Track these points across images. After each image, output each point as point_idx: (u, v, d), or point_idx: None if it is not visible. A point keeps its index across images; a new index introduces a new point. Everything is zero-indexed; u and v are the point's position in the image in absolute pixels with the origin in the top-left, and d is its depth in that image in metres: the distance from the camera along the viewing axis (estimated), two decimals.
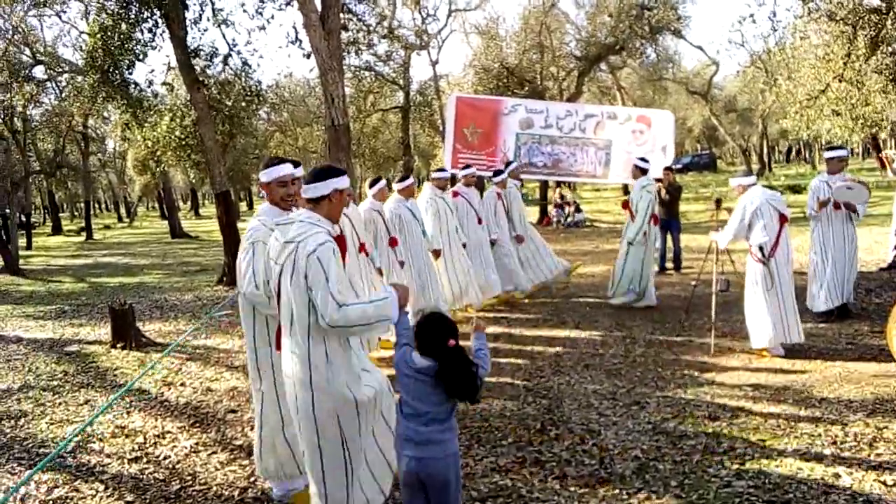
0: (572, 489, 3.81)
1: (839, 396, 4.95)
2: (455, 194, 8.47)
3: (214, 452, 4.60)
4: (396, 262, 7.14)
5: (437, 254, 7.85)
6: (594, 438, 4.47)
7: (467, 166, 9.26)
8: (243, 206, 47.61)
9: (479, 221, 8.56)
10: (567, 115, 11.00)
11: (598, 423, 4.74)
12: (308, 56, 11.33)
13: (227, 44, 14.16)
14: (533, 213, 19.54)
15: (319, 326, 3.04)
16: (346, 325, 3.00)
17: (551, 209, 21.50)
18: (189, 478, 4.23)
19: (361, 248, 6.48)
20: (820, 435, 4.31)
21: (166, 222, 28.65)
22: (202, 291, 11.42)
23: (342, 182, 3.26)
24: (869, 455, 3.97)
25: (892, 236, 9.66)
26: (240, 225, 12.91)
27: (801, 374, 5.54)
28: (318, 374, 3.09)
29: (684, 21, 24.66)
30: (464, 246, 8.15)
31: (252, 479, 4.15)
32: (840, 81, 13.30)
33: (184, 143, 15.83)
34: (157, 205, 49.18)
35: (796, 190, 25.08)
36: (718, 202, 7.52)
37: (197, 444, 4.77)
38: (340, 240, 3.33)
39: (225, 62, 14.14)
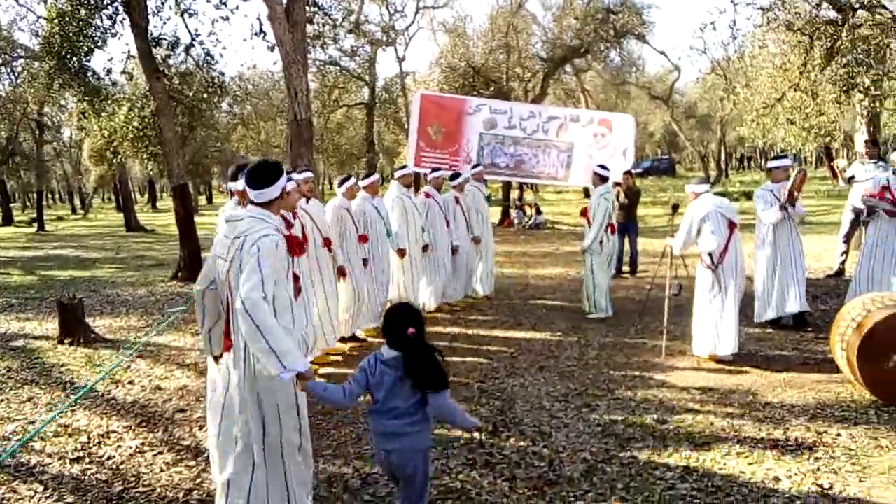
0: (521, 491, 3.83)
1: (783, 401, 5.08)
2: (427, 195, 8.46)
3: (160, 453, 4.52)
4: (360, 263, 7.10)
5: (401, 253, 7.82)
6: (545, 440, 4.51)
7: (436, 169, 9.23)
8: (202, 199, 46.88)
9: (448, 225, 8.55)
10: (530, 116, 11.07)
11: (549, 424, 4.79)
12: (272, 49, 11.19)
13: (190, 33, 14.09)
14: (495, 214, 19.60)
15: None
16: (250, 315, 2.87)
17: (513, 211, 21.64)
18: (133, 479, 4.14)
19: (326, 243, 6.44)
20: (763, 438, 4.41)
21: (122, 215, 28.03)
22: (156, 287, 11.20)
23: (285, 179, 3.27)
24: (808, 459, 4.08)
25: (840, 244, 9.94)
26: (198, 219, 12.71)
27: (747, 378, 5.67)
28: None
29: (648, 26, 25.07)
30: (424, 248, 8.13)
31: (198, 480, 4.08)
32: (795, 91, 13.62)
33: (142, 133, 15.52)
34: (112, 196, 48.13)
35: (751, 196, 25.65)
36: (675, 207, 7.58)
37: (142, 444, 4.68)
38: (291, 239, 3.31)
39: (187, 52, 13.90)
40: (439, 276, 8.37)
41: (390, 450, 3.00)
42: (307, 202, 6.32)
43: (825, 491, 3.68)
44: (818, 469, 3.94)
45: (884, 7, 12.61)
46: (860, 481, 3.77)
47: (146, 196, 49.58)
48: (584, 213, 8.23)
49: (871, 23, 12.46)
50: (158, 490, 3.98)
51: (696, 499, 3.66)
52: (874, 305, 5.14)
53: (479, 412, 5.05)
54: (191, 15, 13.35)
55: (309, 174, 6.59)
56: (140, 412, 5.32)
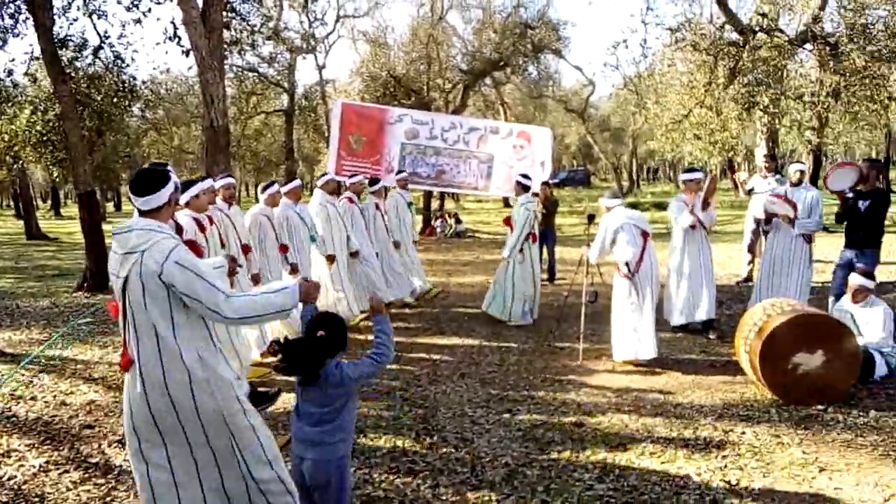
0: (444, 497, 3.86)
1: (692, 402, 5.32)
2: (350, 200, 8.42)
3: (66, 471, 4.29)
4: (287, 267, 7.01)
5: (330, 259, 7.74)
6: (467, 446, 4.55)
7: (355, 174, 9.21)
8: (110, 206, 44.88)
9: (368, 230, 8.55)
10: (451, 127, 11.21)
11: (471, 430, 4.84)
12: (187, 53, 10.87)
13: (99, 35, 13.38)
14: (416, 222, 19.67)
15: (184, 329, 2.94)
16: (237, 318, 2.91)
17: (436, 221, 21.72)
18: (36, 499, 3.91)
19: (245, 249, 6.31)
20: (674, 438, 4.60)
21: (22, 222, 26.46)
22: (60, 298, 10.64)
23: (173, 184, 3.11)
24: (716, 456, 4.29)
25: (744, 252, 10.50)
26: (105, 227, 12.15)
27: (659, 380, 5.91)
28: (196, 375, 2.97)
29: (564, 42, 25.81)
30: (353, 255, 8.08)
31: (108, 498, 3.90)
32: (701, 107, 14.34)
33: (45, 138, 14.75)
34: (11, 202, 45.39)
35: (661, 207, 26.75)
36: (591, 217, 7.78)
37: (47, 462, 4.43)
38: (191, 244, 3.24)
39: (95, 55, 13.33)
40: (364, 282, 8.33)
41: (303, 457, 2.98)
42: (229, 207, 6.22)
43: (732, 486, 3.88)
44: (725, 466, 4.15)
45: (781, 31, 13.47)
46: (764, 476, 4.00)
47: (49, 202, 47.01)
48: (507, 221, 8.38)
49: (769, 45, 13.27)
50: None
51: (612, 498, 3.79)
52: (774, 311, 5.46)
53: (401, 420, 5.05)
54: (100, 16, 12.83)
55: (230, 180, 6.51)
56: (44, 429, 5.03)
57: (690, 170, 7.59)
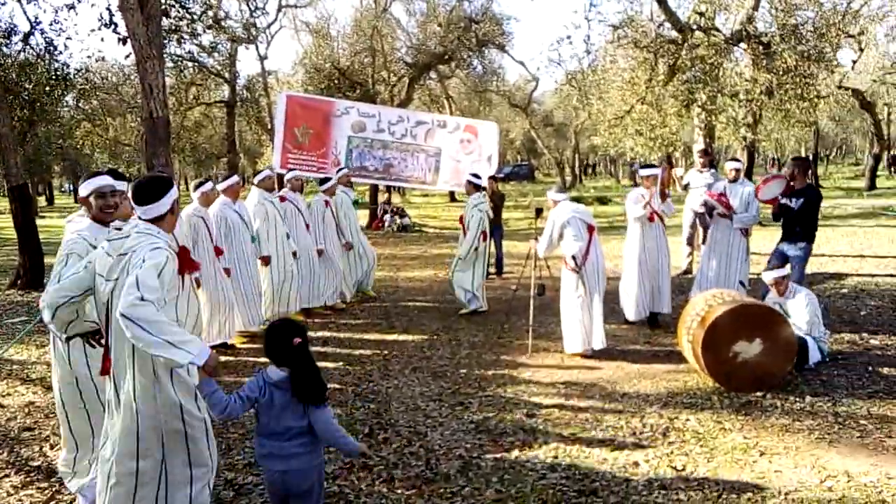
0: (399, 491, 3.88)
1: (638, 391, 5.47)
2: (282, 199, 8.20)
3: (7, 475, 4.14)
4: (221, 271, 6.78)
5: (265, 260, 7.59)
6: (421, 440, 4.58)
7: (291, 169, 9.07)
8: (42, 200, 43.10)
9: (308, 227, 8.37)
10: (399, 120, 11.17)
11: (424, 424, 4.87)
12: (124, 41, 10.50)
13: (29, 21, 12.85)
14: (363, 216, 19.54)
15: None
16: (133, 320, 2.64)
17: (387, 215, 21.58)
18: None
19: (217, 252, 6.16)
20: (622, 427, 4.73)
21: None
22: None
23: (175, 191, 3.12)
24: (663, 443, 4.43)
25: (683, 245, 10.82)
26: (39, 222, 11.71)
27: (607, 371, 6.05)
28: (163, 386, 2.94)
29: (508, 37, 26.05)
30: (293, 255, 7.94)
31: (53, 503, 3.78)
32: (642, 104, 14.70)
33: None
34: None
35: (603, 201, 27.31)
36: (539, 211, 7.87)
37: None
38: (183, 252, 3.18)
39: (25, 41, 12.77)
40: (304, 280, 8.19)
41: (285, 470, 2.91)
42: None
43: (679, 472, 4.02)
44: (672, 452, 4.29)
45: (717, 30, 13.90)
46: (708, 461, 4.15)
47: None
48: (461, 219, 8.44)
49: (707, 43, 13.68)
50: None
51: (565, 487, 3.87)
52: (715, 301, 5.66)
53: (354, 415, 5.05)
54: (30, 1, 12.32)
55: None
56: None
57: (648, 166, 7.69)
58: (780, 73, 13.35)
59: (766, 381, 5.30)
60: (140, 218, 3.03)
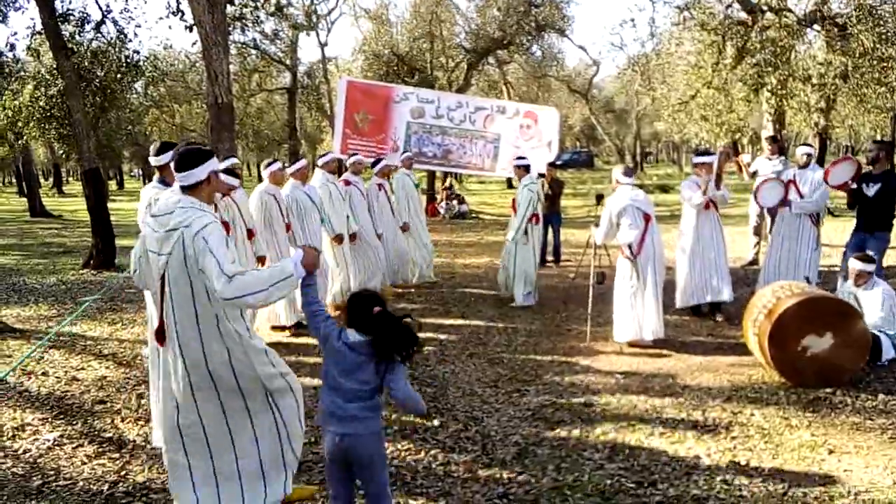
0: (455, 475, 3.89)
1: (700, 384, 5.34)
2: (346, 183, 8.30)
3: (80, 445, 4.33)
4: (290, 249, 6.94)
5: (338, 239, 7.69)
6: (477, 425, 4.58)
7: (353, 154, 9.15)
8: (112, 184, 44.79)
9: (370, 211, 8.46)
10: (458, 106, 11.14)
11: (480, 409, 4.87)
12: (190, 29, 10.78)
13: (101, 10, 13.24)
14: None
15: (222, 309, 3.05)
16: (240, 295, 2.92)
17: (444, 202, 21.60)
18: (52, 472, 3.96)
19: (250, 235, 6.27)
20: (683, 419, 4.63)
21: (25, 199, 26.43)
22: (66, 275, 10.66)
23: (215, 162, 3.24)
24: (725, 438, 4.32)
25: (750, 235, 10.50)
26: (110, 205, 12.16)
27: (667, 362, 5.92)
28: (234, 349, 3.12)
29: (568, 21, 25.56)
30: (352, 237, 8.03)
31: (123, 472, 3.94)
32: (709, 88, 14.26)
33: (49, 114, 14.68)
34: (14, 180, 45.27)
35: (665, 189, 26.69)
36: (599, 197, 7.71)
37: (61, 436, 4.47)
38: (225, 226, 3.28)
39: (97, 30, 13.22)
40: (367, 263, 8.28)
41: (345, 433, 2.91)
42: (235, 192, 6.14)
43: (742, 467, 3.91)
44: (735, 447, 4.18)
45: (790, 10, 13.34)
46: (773, 458, 4.02)
47: (51, 180, 46.92)
48: (513, 203, 8.33)
49: (778, 25, 13.15)
50: (81, 483, 3.82)
51: (623, 477, 3.82)
52: (783, 293, 5.46)
53: None
54: None
55: (234, 160, 6.43)
56: (56, 404, 5.07)
57: (703, 153, 7.39)
58: (857, 55, 12.73)
59: (836, 377, 5.10)
60: (181, 186, 3.15)
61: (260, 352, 3.21)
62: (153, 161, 4.40)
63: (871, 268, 5.90)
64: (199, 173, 3.14)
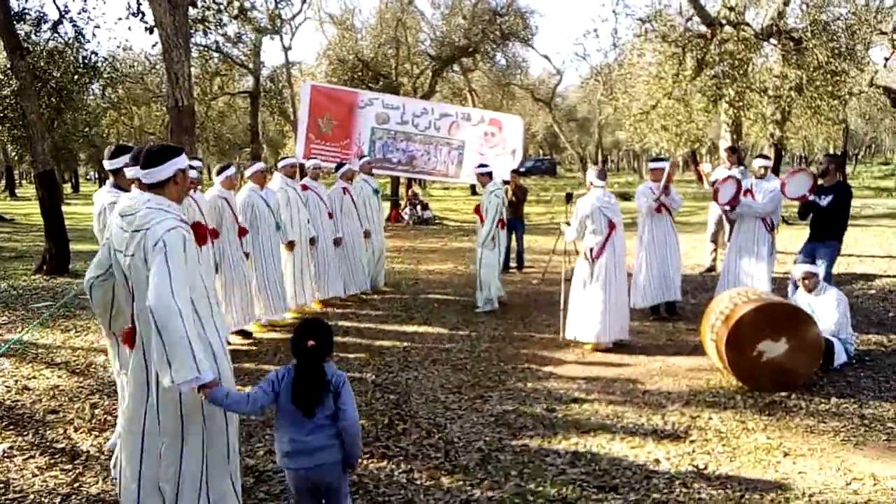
0: (418, 482, 3.87)
1: (660, 388, 5.42)
2: (304, 188, 8.22)
3: (32, 457, 4.20)
4: (241, 254, 6.84)
5: (290, 245, 7.63)
6: (440, 432, 4.57)
7: (313, 158, 9.10)
8: (67, 187, 43.69)
9: (330, 216, 8.39)
10: (423, 113, 11.14)
11: (444, 416, 4.85)
12: (151, 30, 10.59)
13: (59, 9, 12.95)
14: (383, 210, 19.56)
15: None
16: (158, 319, 2.72)
17: (408, 208, 21.54)
18: (1, 485, 3.82)
19: (213, 234, 6.18)
20: (643, 424, 4.68)
21: None
22: (18, 280, 10.35)
23: (182, 161, 3.09)
24: (684, 441, 4.38)
25: (708, 242, 10.70)
26: (64, 209, 11.85)
27: (628, 367, 5.99)
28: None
29: (532, 30, 25.83)
30: (311, 242, 7.97)
31: (76, 484, 3.83)
32: (669, 99, 14.53)
33: (2, 115, 14.27)
34: None
35: (626, 197, 27.07)
36: (569, 196, 8.04)
37: (11, 448, 4.32)
38: (198, 226, 3.19)
39: (54, 29, 12.91)
40: (326, 269, 8.21)
41: (312, 466, 2.88)
42: (194, 192, 6.05)
43: (701, 471, 3.97)
44: (693, 451, 4.24)
45: (748, 24, 13.69)
46: (731, 461, 4.09)
47: (3, 182, 45.59)
48: (477, 210, 8.39)
49: (736, 38, 13.48)
50: (32, 496, 3.69)
51: (585, 482, 3.84)
52: (740, 299, 5.57)
53: (373, 406, 5.05)
54: None
55: (196, 163, 6.32)
56: (6, 414, 4.90)
57: (657, 159, 7.89)
58: (811, 69, 13.12)
59: (790, 381, 5.22)
60: (145, 185, 3.02)
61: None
62: (107, 165, 4.24)
63: (815, 268, 6.13)
64: (164, 171, 3.00)
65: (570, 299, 6.60)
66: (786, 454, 4.17)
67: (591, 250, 6.42)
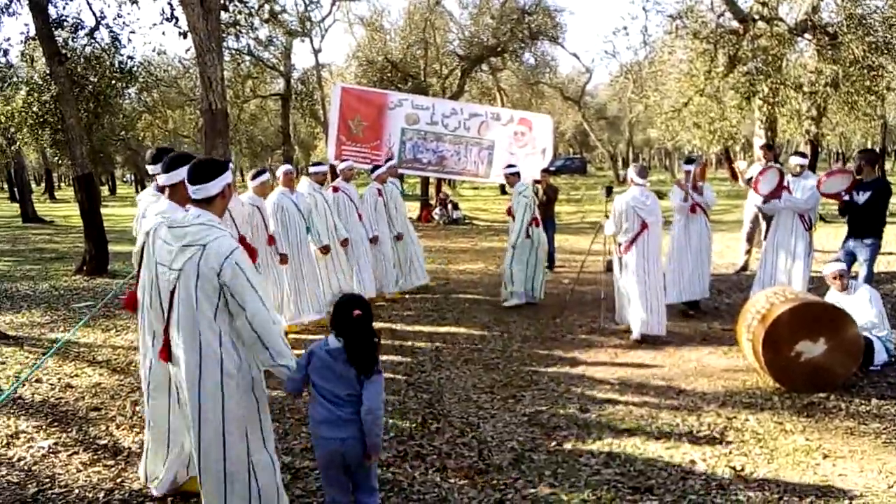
0: (452, 481, 3.89)
1: (695, 389, 5.36)
2: (335, 189, 8.29)
3: (75, 453, 4.31)
4: (275, 260, 6.93)
5: (325, 250, 7.65)
6: (473, 431, 4.58)
7: (345, 160, 9.16)
8: (105, 190, 44.62)
9: (360, 218, 8.44)
10: (452, 113, 11.16)
11: (476, 415, 4.87)
12: (184, 35, 10.79)
13: (95, 16, 13.25)
14: (413, 209, 19.64)
15: (227, 326, 2.97)
16: (260, 331, 2.93)
17: (435, 206, 21.59)
18: (47, 480, 3.93)
19: (241, 241, 6.23)
20: (678, 425, 4.64)
21: (17, 205, 26.30)
22: (59, 281, 10.61)
23: (230, 175, 3.12)
24: (721, 443, 4.33)
25: (743, 242, 10.55)
26: (102, 210, 12.11)
27: (662, 368, 5.94)
28: (229, 377, 2.98)
29: (561, 29, 25.72)
30: (343, 243, 8.01)
31: (119, 479, 3.92)
32: (701, 96, 14.33)
33: (42, 120, 14.63)
34: (6, 186, 45.05)
35: (661, 195, 26.78)
36: (609, 190, 8.34)
37: (56, 444, 4.44)
38: (241, 241, 3.24)
39: (91, 35, 13.19)
40: (360, 269, 8.27)
41: (342, 438, 2.99)
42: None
43: (738, 472, 3.92)
44: (730, 452, 4.19)
45: (781, 20, 13.44)
46: (768, 463, 4.04)
47: (43, 186, 46.68)
48: (509, 211, 8.45)
49: (769, 34, 13.24)
50: (77, 491, 3.79)
51: (620, 483, 3.82)
52: (777, 298, 5.49)
53: (406, 405, 5.09)
54: None
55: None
56: (50, 411, 5.04)
57: (688, 160, 8.01)
58: (847, 64, 12.83)
59: (829, 381, 5.13)
60: (192, 199, 3.03)
61: (255, 383, 3.10)
62: (150, 170, 4.31)
63: (842, 266, 6.07)
64: (214, 187, 3.00)
65: (614, 289, 7.06)
66: (825, 456, 4.10)
67: (620, 245, 6.77)
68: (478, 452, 4.25)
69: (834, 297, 5.95)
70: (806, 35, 13.71)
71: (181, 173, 3.31)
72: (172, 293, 2.99)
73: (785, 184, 7.50)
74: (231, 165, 6.39)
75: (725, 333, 6.82)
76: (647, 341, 6.62)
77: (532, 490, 3.76)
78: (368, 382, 2.97)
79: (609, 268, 7.55)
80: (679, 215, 7.70)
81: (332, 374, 2.99)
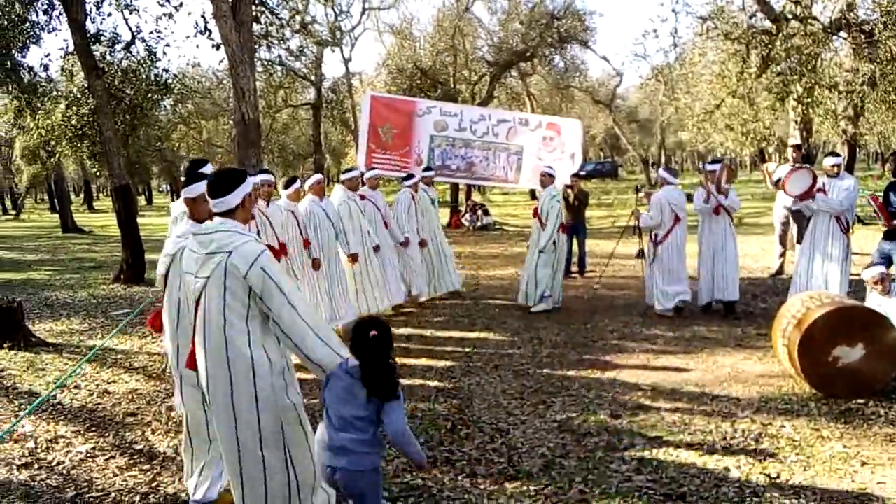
0: (482, 487, 3.89)
1: (729, 394, 5.28)
2: (362, 197, 8.33)
3: (112, 457, 4.41)
4: (309, 264, 7.01)
5: (353, 258, 7.70)
6: (503, 437, 4.58)
7: (371, 168, 9.24)
8: (141, 200, 45.54)
9: (386, 225, 8.48)
10: (481, 119, 11.15)
11: (506, 421, 4.86)
12: (217, 47, 11.00)
13: (131, 30, 13.60)
14: (443, 214, 19.67)
15: (257, 330, 2.99)
16: (293, 337, 2.98)
17: (465, 212, 21.61)
18: (85, 484, 4.03)
19: (282, 249, 6.32)
20: (712, 431, 4.58)
21: (57, 215, 26.99)
22: (97, 289, 10.86)
23: (249, 184, 3.12)
24: (755, 449, 4.26)
25: (776, 245, 10.36)
26: (139, 220, 12.37)
27: (695, 373, 5.86)
28: (263, 381, 2.99)
29: (591, 32, 25.61)
30: (376, 249, 8.05)
31: (154, 484, 4.00)
32: (733, 97, 14.15)
33: (80, 132, 15.01)
34: (46, 196, 46.26)
35: (690, 198, 26.44)
36: (638, 188, 9.08)
37: (93, 448, 4.55)
38: (283, 248, 3.29)
39: (127, 49, 13.52)
40: (387, 277, 8.29)
41: (336, 467, 2.91)
42: (266, 205, 6.20)
43: (773, 480, 3.85)
44: (765, 459, 4.12)
45: (815, 18, 13.21)
46: (805, 470, 3.96)
47: (81, 196, 47.83)
48: (535, 213, 8.45)
49: (803, 33, 13.03)
50: (113, 495, 3.88)
51: (651, 490, 3.78)
52: (813, 303, 5.39)
53: (436, 411, 5.10)
54: (132, 11, 13.05)
55: (268, 177, 6.41)
56: (88, 417, 5.17)
57: (713, 161, 8.24)
58: (884, 62, 12.56)
59: (868, 387, 5.01)
60: (214, 211, 3.07)
61: (288, 385, 3.11)
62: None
63: (883, 269, 5.92)
64: (234, 199, 3.03)
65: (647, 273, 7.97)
66: (864, 463, 4.01)
67: (657, 236, 7.68)
68: (508, 459, 4.24)
69: (875, 300, 5.82)
70: (841, 33, 13.47)
71: (200, 187, 3.37)
72: (198, 302, 3.02)
73: (820, 185, 7.36)
74: (272, 177, 6.44)
75: (760, 338, 6.71)
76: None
77: (563, 497, 3.74)
78: (388, 406, 2.89)
79: (641, 255, 8.43)
80: (702, 216, 7.87)
81: (346, 394, 2.91)
